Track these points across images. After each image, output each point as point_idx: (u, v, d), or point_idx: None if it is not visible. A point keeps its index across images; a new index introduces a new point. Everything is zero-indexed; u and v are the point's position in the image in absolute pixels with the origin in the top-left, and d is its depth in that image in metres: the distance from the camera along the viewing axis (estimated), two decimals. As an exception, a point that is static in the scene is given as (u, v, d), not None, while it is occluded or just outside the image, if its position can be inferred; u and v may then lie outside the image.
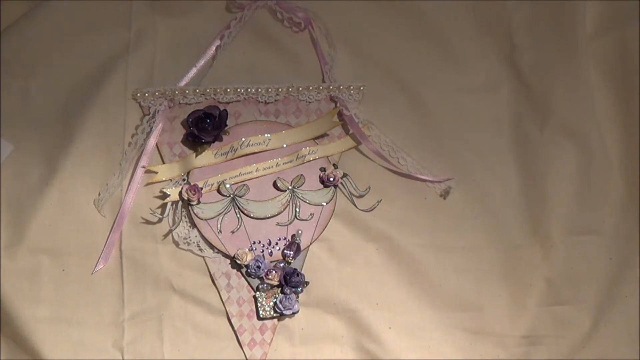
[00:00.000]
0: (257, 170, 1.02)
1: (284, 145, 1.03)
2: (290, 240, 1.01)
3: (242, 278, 1.01)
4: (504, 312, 1.01)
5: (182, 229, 1.01)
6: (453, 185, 1.03)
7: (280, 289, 1.00)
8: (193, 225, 1.01)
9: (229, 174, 1.02)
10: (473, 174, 1.04)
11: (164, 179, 1.02)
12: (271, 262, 1.01)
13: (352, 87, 1.04)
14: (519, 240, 1.03)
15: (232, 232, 1.01)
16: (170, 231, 1.01)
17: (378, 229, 1.02)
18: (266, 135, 1.03)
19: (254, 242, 1.01)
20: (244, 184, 1.02)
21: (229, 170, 1.02)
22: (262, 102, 1.04)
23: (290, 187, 1.02)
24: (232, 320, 1.00)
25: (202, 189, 1.01)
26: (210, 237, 1.01)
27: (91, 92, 1.03)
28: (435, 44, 1.07)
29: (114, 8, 1.05)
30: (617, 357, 1.01)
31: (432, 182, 1.03)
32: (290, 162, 1.03)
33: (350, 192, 1.03)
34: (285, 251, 1.01)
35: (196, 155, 1.02)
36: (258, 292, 1.00)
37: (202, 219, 1.01)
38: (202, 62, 1.05)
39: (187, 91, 1.03)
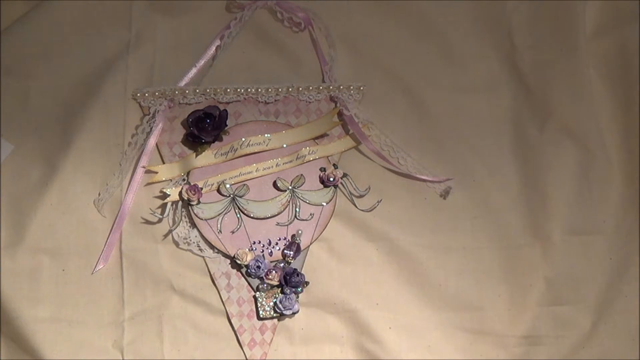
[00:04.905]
0: (257, 170, 1.02)
1: (284, 145, 1.03)
2: (290, 240, 1.01)
3: (242, 278, 1.01)
4: (504, 312, 1.01)
5: (182, 229, 1.01)
6: (453, 185, 1.03)
7: (280, 289, 1.00)
8: (193, 225, 1.01)
9: (229, 174, 1.02)
10: (473, 174, 1.04)
11: (164, 179, 1.02)
12: (271, 262, 1.01)
13: (352, 87, 1.04)
14: (519, 240, 1.03)
15: (232, 232, 1.01)
16: (170, 231, 1.01)
17: (378, 229, 1.02)
18: (266, 135, 1.03)
19: (254, 242, 1.01)
20: (244, 184, 1.02)
21: (229, 170, 1.02)
22: (262, 102, 1.04)
23: (290, 187, 1.02)
24: (232, 320, 1.00)
25: (202, 189, 1.01)
26: (210, 237, 1.01)
27: (91, 92, 1.03)
28: (435, 44, 1.07)
29: (114, 8, 1.05)
30: (617, 357, 1.01)
31: (432, 182, 1.03)
32: (290, 162, 1.03)
33: (350, 192, 1.03)
34: (285, 251, 1.01)
35: (196, 155, 1.02)
36: (258, 292, 1.00)
37: (202, 219, 1.01)
38: (202, 62, 1.05)
39: (187, 91, 1.03)
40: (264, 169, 1.02)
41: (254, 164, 1.02)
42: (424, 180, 1.03)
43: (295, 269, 1.00)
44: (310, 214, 1.02)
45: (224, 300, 1.00)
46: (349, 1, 1.07)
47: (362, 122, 1.04)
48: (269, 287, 1.00)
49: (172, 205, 1.01)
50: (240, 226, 1.01)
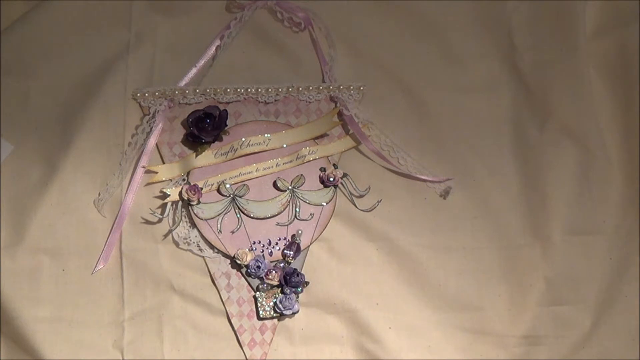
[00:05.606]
0: (257, 170, 1.02)
1: (284, 145, 1.03)
2: (290, 240, 1.01)
3: (242, 278, 1.01)
4: (504, 312, 1.01)
5: (182, 229, 1.01)
6: (453, 185, 1.03)
7: (280, 289, 1.00)
8: (193, 225, 1.01)
9: (229, 174, 1.02)
10: (473, 174, 1.04)
11: (164, 179, 1.02)
12: (271, 262, 1.01)
13: (352, 87, 1.04)
14: (519, 240, 1.03)
15: (232, 232, 1.01)
16: (170, 231, 1.01)
17: (378, 229, 1.02)
18: (266, 135, 1.03)
19: (254, 242, 1.01)
20: (244, 184, 1.02)
21: (229, 170, 1.02)
22: (262, 102, 1.04)
23: (290, 187, 1.02)
24: (232, 320, 1.00)
25: (202, 189, 1.01)
26: (210, 237, 1.01)
27: (91, 92, 1.03)
28: (435, 44, 1.07)
29: (114, 8, 1.05)
30: (617, 357, 1.01)
31: (432, 182, 1.03)
32: (290, 162, 1.03)
33: (350, 192, 1.03)
34: (285, 251, 1.01)
35: (196, 155, 1.02)
36: (258, 292, 1.00)
37: (202, 219, 1.01)
38: (202, 62, 1.05)
39: (187, 91, 1.03)
40: (264, 169, 1.02)
41: (254, 164, 1.02)
42: (424, 180, 1.03)
43: (295, 269, 1.00)
44: (310, 214, 1.02)
45: (224, 300, 1.00)
46: (349, 1, 1.07)
47: (362, 122, 1.04)
48: (269, 287, 1.00)
49: (172, 205, 1.01)
50: (240, 226, 1.01)
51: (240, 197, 1.01)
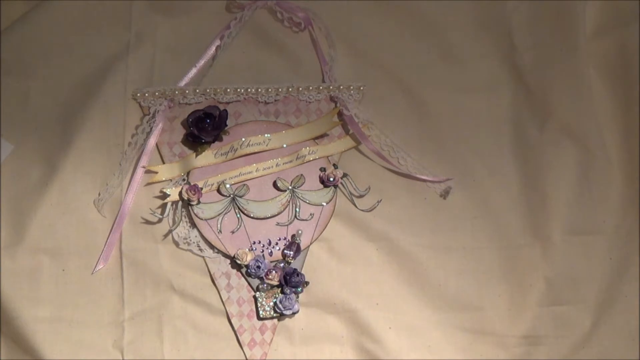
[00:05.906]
0: (257, 170, 1.02)
1: (284, 145, 1.03)
2: (290, 240, 1.01)
3: (242, 278, 1.01)
4: (504, 312, 1.01)
5: (182, 229, 1.01)
6: (453, 185, 1.03)
7: (280, 289, 1.00)
8: (193, 225, 1.01)
9: (229, 174, 1.02)
10: (473, 174, 1.04)
11: (164, 179, 1.02)
12: (271, 262, 1.01)
13: (352, 87, 1.04)
14: (519, 240, 1.03)
15: (232, 232, 1.01)
16: (170, 231, 1.01)
17: (378, 229, 1.02)
18: (266, 135, 1.03)
19: (254, 242, 1.01)
20: (244, 184, 1.02)
21: (229, 170, 1.02)
22: (262, 102, 1.04)
23: (290, 187, 1.02)
24: (232, 320, 1.00)
25: (202, 189, 1.01)
26: (210, 237, 1.01)
27: (91, 92, 1.03)
28: (435, 44, 1.07)
29: (114, 8, 1.05)
30: (617, 357, 1.01)
31: (432, 182, 1.03)
32: (290, 162, 1.03)
33: (350, 192, 1.03)
34: (285, 251, 1.01)
35: (196, 155, 1.02)
36: (258, 292, 1.00)
37: (202, 219, 1.01)
38: (202, 62, 1.05)
39: (187, 91, 1.03)
40: (264, 169, 1.02)
41: (254, 164, 1.02)
42: (424, 180, 1.03)
43: (295, 269, 1.00)
44: (310, 214, 1.02)
45: (224, 300, 1.00)
46: (349, 1, 1.07)
47: (362, 122, 1.04)
48: (269, 287, 1.00)
49: (172, 205, 1.01)
50: (240, 226, 1.01)
51: (240, 197, 1.01)
